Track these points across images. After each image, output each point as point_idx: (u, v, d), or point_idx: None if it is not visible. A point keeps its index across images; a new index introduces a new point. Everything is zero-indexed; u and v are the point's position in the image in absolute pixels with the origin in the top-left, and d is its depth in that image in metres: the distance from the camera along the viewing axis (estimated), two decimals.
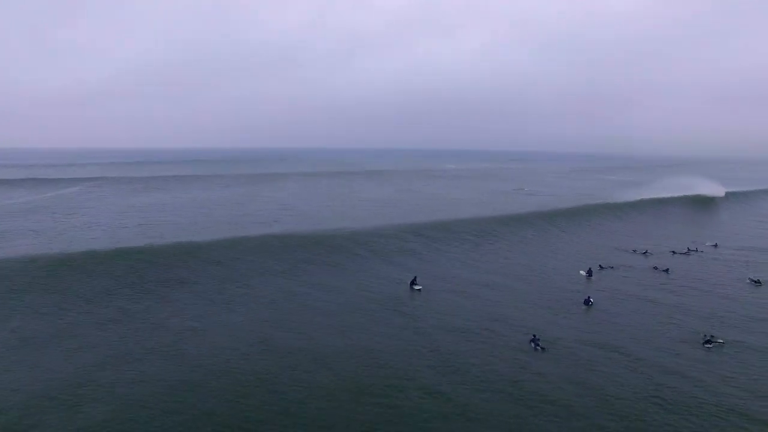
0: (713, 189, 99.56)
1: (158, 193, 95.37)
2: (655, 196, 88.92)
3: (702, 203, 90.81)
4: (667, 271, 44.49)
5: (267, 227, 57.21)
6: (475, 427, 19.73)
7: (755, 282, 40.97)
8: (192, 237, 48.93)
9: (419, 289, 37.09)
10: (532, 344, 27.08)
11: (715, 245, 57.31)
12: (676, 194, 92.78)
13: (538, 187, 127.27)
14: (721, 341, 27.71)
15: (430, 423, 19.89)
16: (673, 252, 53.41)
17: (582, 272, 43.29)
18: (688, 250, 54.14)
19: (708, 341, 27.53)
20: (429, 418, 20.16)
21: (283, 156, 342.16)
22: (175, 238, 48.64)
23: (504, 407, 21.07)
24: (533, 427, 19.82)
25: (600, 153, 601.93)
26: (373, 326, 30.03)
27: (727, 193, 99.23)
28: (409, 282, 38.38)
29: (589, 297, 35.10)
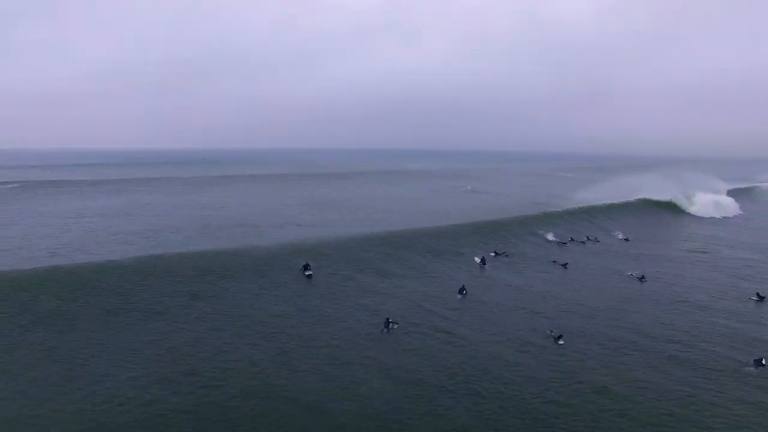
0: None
1: (97, 198, 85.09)
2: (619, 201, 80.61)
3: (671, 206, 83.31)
4: (565, 266, 45.22)
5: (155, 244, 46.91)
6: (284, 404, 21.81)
7: (639, 278, 41.93)
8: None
9: (309, 275, 38.34)
10: (383, 326, 28.80)
11: (626, 239, 59.37)
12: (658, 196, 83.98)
13: (491, 186, 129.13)
14: (561, 342, 28.16)
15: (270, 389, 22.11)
16: (571, 239, 55.95)
17: (476, 259, 44.93)
18: (587, 238, 56.75)
19: (558, 337, 28.51)
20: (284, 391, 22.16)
21: (267, 157, 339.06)
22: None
23: (325, 385, 23.06)
24: (348, 384, 22.09)
25: (597, 154, 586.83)
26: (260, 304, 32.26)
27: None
28: (301, 267, 38.92)
29: (463, 286, 36.88)
